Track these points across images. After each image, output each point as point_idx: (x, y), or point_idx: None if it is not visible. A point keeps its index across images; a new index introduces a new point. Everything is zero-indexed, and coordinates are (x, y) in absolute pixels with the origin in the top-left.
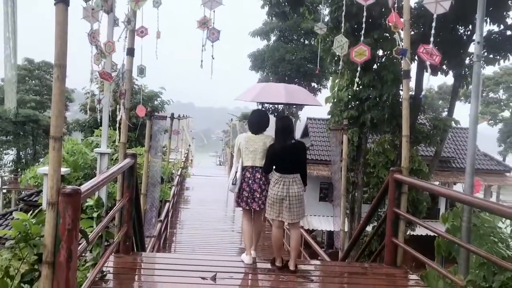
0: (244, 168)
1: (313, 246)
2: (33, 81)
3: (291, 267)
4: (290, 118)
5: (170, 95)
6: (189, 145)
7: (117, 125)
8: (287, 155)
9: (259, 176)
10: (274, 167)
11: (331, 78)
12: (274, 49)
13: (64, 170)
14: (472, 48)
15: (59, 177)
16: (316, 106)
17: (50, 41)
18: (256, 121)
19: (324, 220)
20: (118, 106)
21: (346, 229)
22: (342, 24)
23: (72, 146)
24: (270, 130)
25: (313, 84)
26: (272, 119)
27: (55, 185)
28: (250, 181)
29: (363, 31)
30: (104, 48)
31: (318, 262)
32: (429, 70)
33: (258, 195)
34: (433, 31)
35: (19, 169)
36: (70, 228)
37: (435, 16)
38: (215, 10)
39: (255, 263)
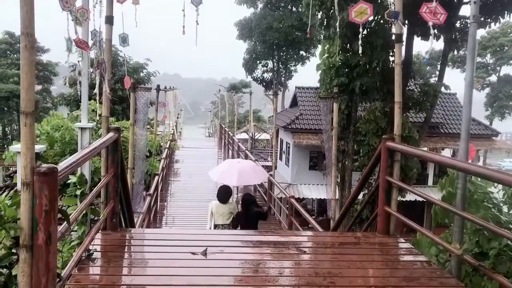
0: (216, 226)
1: (303, 215)
2: (15, 55)
3: None
4: (252, 195)
5: (156, 67)
6: (177, 117)
7: (98, 98)
8: (249, 221)
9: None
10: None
11: (319, 45)
12: (261, 17)
13: (39, 147)
14: (462, 11)
15: (33, 155)
16: (305, 77)
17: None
18: (223, 194)
19: (314, 188)
20: (99, 78)
21: (337, 198)
22: None
23: (57, 121)
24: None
25: (301, 52)
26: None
27: (29, 164)
28: None
29: None
30: (78, 15)
31: (310, 233)
32: (432, 31)
33: None
34: None
35: (5, 145)
36: (48, 209)
37: None
38: None
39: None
